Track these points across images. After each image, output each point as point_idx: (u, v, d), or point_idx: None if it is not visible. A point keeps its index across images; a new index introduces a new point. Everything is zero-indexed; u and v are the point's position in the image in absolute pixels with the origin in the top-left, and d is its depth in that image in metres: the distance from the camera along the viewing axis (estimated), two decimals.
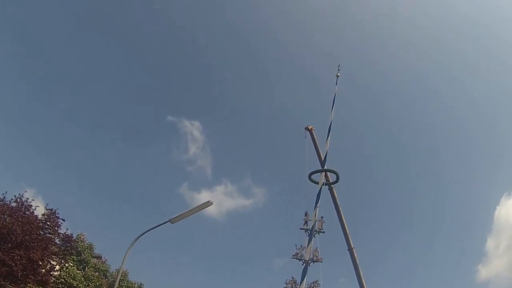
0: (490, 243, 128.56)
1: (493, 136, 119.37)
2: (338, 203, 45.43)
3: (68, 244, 27.36)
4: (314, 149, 45.41)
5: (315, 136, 45.24)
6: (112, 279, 27.00)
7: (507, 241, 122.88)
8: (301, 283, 48.48)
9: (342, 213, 45.78)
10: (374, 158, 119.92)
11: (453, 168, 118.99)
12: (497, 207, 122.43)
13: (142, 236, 17.49)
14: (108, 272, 29.26)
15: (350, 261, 45.95)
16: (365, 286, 44.26)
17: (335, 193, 44.95)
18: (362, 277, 44.49)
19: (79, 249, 27.86)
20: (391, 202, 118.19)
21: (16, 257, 21.72)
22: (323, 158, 42.71)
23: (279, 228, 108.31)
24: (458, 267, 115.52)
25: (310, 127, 45.68)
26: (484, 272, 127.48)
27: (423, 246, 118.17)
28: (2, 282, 21.39)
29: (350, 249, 45.10)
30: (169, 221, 17.39)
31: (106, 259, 30.10)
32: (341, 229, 46.61)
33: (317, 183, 41.74)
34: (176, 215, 17.50)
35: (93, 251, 29.05)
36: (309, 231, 43.54)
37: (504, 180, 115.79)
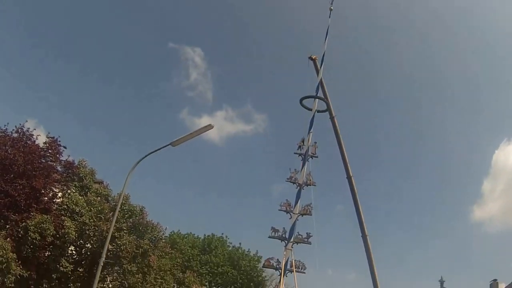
0: (487, 186, 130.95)
1: (498, 82, 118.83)
2: (339, 131, 46.38)
3: (70, 171, 27.62)
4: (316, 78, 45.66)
5: (318, 65, 45.30)
6: (114, 203, 27.46)
7: (503, 186, 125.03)
8: (295, 205, 49.87)
9: (342, 141, 46.67)
10: (379, 92, 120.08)
11: (456, 111, 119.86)
12: (496, 151, 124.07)
13: (143, 160, 17.69)
14: (110, 196, 29.67)
15: (349, 190, 47.16)
16: (362, 214, 45.52)
17: (336, 122, 45.77)
18: (359, 204, 45.64)
19: (81, 175, 28.09)
20: (393, 140, 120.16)
21: (18, 187, 21.95)
22: (316, 87, 43.46)
23: (279, 153, 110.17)
24: (453, 205, 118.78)
25: (314, 57, 45.98)
26: (479, 213, 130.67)
27: (421, 182, 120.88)
28: (6, 213, 21.79)
29: (349, 177, 46.04)
30: (170, 144, 17.52)
31: (108, 184, 30.53)
32: (340, 158, 47.64)
33: (310, 109, 42.62)
34: (177, 138, 17.67)
35: (94, 176, 29.30)
36: (302, 156, 44.63)
37: (504, 125, 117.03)
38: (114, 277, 28.86)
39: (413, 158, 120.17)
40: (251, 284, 53.58)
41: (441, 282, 57.60)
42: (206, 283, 44.97)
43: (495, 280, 56.36)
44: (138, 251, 27.20)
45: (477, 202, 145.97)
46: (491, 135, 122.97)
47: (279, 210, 50.02)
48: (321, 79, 44.47)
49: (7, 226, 21.69)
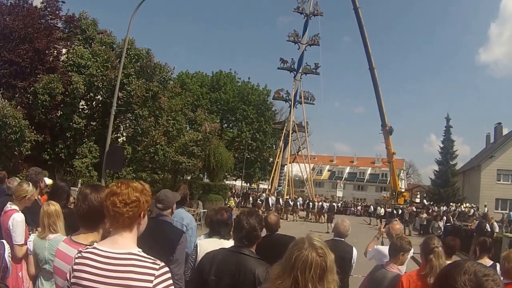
0: (494, 30, 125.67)
1: None
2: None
3: (71, 25, 26.91)
4: None
5: None
6: (120, 50, 27.06)
7: (510, 32, 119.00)
8: (302, 35, 49.64)
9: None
10: None
11: None
12: None
13: (146, 5, 17.13)
14: (114, 44, 29.05)
15: (356, 22, 46.15)
16: (369, 47, 44.81)
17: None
18: (366, 37, 44.75)
19: (83, 27, 27.32)
20: None
21: (22, 53, 21.59)
22: None
23: None
24: (460, 44, 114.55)
25: None
26: (484, 56, 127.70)
27: (430, 20, 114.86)
28: (13, 82, 21.77)
29: (356, 9, 44.40)
30: None
31: (112, 32, 29.82)
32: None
33: None
34: None
35: (97, 27, 28.47)
36: None
37: None
38: (127, 125, 29.84)
39: None
40: (262, 118, 55.20)
41: (447, 119, 59.40)
42: (218, 120, 46.28)
43: (499, 123, 57.49)
44: (148, 94, 27.41)
45: (484, 45, 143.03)
46: None
47: (287, 41, 49.96)
48: None
49: (16, 95, 21.89)
